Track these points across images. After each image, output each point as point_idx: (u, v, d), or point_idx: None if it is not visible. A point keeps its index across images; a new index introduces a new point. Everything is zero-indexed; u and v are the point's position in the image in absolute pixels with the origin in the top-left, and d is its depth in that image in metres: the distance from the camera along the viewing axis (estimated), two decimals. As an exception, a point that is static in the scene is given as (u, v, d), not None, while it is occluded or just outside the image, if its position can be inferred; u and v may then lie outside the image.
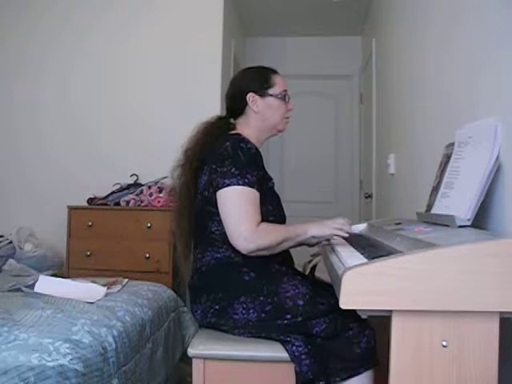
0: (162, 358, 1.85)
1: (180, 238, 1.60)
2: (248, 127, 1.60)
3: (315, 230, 1.42)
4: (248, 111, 1.60)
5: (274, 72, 1.64)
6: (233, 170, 1.40)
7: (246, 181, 1.40)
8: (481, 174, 1.10)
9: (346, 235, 1.42)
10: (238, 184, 1.39)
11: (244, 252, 1.38)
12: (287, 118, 1.65)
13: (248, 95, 1.58)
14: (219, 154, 1.46)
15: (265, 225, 1.40)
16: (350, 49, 4.37)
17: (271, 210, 1.50)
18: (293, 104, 1.66)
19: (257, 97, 1.58)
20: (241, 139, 1.48)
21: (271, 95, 1.59)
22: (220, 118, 1.67)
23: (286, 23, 4.17)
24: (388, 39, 2.87)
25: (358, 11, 3.86)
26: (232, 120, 1.66)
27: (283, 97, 1.61)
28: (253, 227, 1.36)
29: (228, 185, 1.40)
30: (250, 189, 1.40)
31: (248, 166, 1.42)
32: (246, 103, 1.59)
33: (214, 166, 1.46)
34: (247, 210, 1.38)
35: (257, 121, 1.60)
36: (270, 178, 1.57)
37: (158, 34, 3.23)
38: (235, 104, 1.63)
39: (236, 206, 1.39)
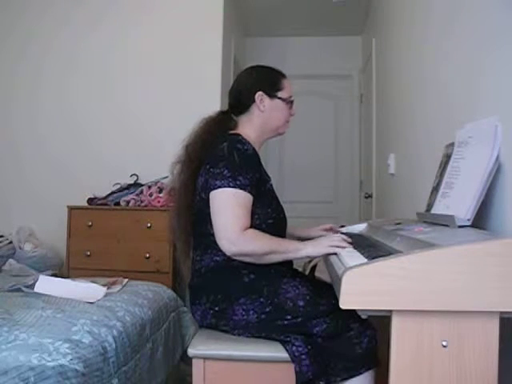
0: (162, 358, 1.85)
1: (179, 236, 1.60)
2: (250, 126, 1.59)
3: (310, 249, 1.37)
4: (253, 109, 1.59)
5: (284, 76, 1.65)
6: (225, 171, 1.40)
7: (238, 183, 1.39)
8: (481, 174, 1.10)
9: (345, 248, 1.30)
10: (229, 186, 1.38)
11: (228, 254, 1.38)
12: (288, 122, 1.65)
13: (257, 94, 1.57)
14: (215, 154, 1.46)
15: (252, 231, 1.38)
16: (350, 49, 4.37)
17: (270, 213, 1.49)
18: (294, 110, 1.66)
19: (265, 96, 1.58)
20: (238, 140, 1.48)
21: (279, 98, 1.59)
22: (222, 113, 1.66)
23: (286, 23, 4.17)
24: (388, 39, 2.87)
25: (358, 11, 3.86)
26: (234, 116, 1.65)
27: (290, 102, 1.61)
28: (238, 230, 1.35)
29: (219, 187, 1.39)
30: (241, 191, 1.39)
31: (242, 168, 1.41)
32: (253, 101, 1.58)
33: (208, 167, 1.45)
34: (235, 212, 1.37)
35: (260, 120, 1.59)
36: (268, 180, 1.56)
37: (158, 34, 3.23)
38: (241, 101, 1.61)
39: (224, 207, 1.38)
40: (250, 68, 1.71)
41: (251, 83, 1.60)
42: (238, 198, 1.39)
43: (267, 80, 1.60)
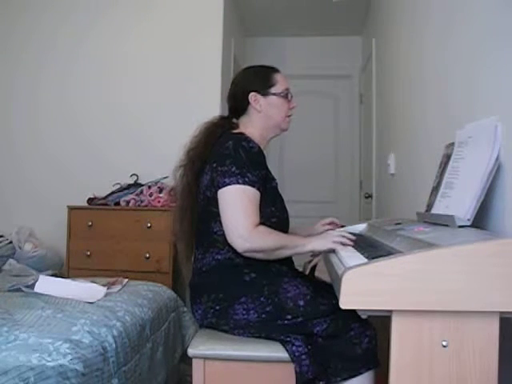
0: (161, 358, 1.85)
1: (182, 239, 1.60)
2: (251, 126, 1.59)
3: (316, 244, 1.38)
4: (251, 110, 1.60)
5: (276, 70, 1.63)
6: (233, 169, 1.40)
7: (247, 180, 1.39)
8: (481, 173, 1.10)
9: (350, 243, 1.34)
10: (238, 183, 1.38)
11: (239, 251, 1.38)
12: (289, 116, 1.64)
13: (250, 95, 1.57)
14: (221, 152, 1.46)
15: (263, 227, 1.39)
16: (350, 49, 4.37)
17: (274, 211, 1.49)
18: (295, 102, 1.65)
19: (259, 96, 1.58)
20: (243, 138, 1.48)
21: (274, 94, 1.58)
22: (222, 118, 1.66)
23: (286, 23, 4.17)
24: (388, 39, 2.87)
25: (358, 11, 3.86)
26: (235, 120, 1.65)
27: (285, 95, 1.60)
28: (250, 226, 1.36)
29: (228, 184, 1.39)
30: (250, 188, 1.39)
31: (249, 164, 1.41)
32: (249, 103, 1.58)
33: (214, 165, 1.45)
34: (246, 208, 1.37)
35: (260, 120, 1.59)
36: (274, 178, 1.56)
37: (158, 34, 3.23)
38: (237, 104, 1.62)
39: (235, 204, 1.38)
40: (242, 70, 1.72)
41: (243, 85, 1.61)
42: (247, 194, 1.39)
43: (257, 79, 1.60)
